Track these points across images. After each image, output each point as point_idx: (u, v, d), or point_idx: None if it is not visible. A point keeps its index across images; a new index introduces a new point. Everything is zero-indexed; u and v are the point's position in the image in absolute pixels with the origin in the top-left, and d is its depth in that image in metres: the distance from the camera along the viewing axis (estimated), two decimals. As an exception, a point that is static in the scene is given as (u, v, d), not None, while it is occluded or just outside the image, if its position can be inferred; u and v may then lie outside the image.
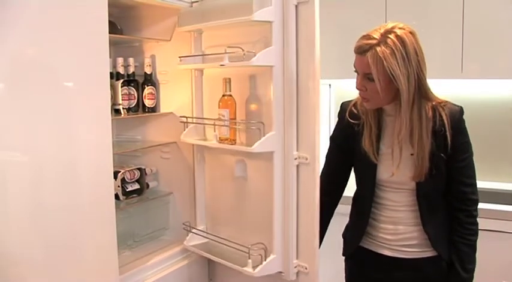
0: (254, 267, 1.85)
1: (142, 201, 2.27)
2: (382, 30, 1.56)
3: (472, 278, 1.74)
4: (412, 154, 1.64)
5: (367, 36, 1.58)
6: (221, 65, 1.84)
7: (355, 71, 1.65)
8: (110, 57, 1.86)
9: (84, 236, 1.63)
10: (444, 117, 1.62)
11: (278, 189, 1.83)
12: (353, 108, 1.77)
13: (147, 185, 2.29)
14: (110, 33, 1.68)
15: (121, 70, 2.18)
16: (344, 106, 1.84)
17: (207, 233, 2.17)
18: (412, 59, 1.57)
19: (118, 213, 1.80)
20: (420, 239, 1.72)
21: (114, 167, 1.76)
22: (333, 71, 2.96)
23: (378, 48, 1.53)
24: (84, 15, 1.59)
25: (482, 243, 2.67)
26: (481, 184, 3.26)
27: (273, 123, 1.81)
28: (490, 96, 3.16)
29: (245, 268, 1.87)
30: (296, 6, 1.75)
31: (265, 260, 1.85)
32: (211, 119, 2.01)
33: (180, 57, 2.09)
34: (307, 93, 1.77)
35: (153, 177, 2.39)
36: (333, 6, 3.14)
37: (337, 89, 3.45)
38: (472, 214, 1.72)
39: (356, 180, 1.85)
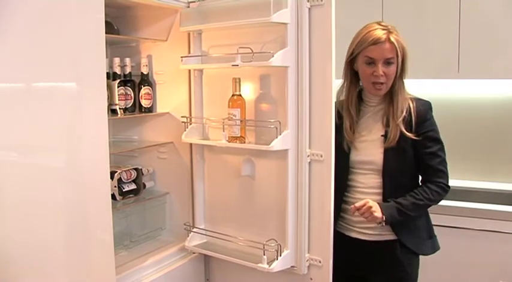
0: (269, 263, 1.90)
1: (139, 201, 2.26)
2: (382, 23, 1.85)
3: (389, 220, 1.83)
4: (382, 135, 1.88)
5: (379, 27, 1.81)
6: (233, 65, 1.88)
7: (370, 63, 1.83)
8: (107, 57, 1.86)
9: (81, 236, 1.63)
10: (412, 106, 1.86)
11: (291, 186, 1.89)
12: (341, 107, 1.98)
13: (144, 185, 2.29)
14: (106, 33, 1.68)
15: (117, 70, 2.18)
16: (336, 106, 1.93)
17: (213, 232, 2.16)
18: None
19: (114, 213, 1.81)
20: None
21: (110, 167, 1.76)
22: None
23: (395, 34, 1.82)
24: (81, 15, 1.59)
25: (479, 243, 2.69)
26: (477, 184, 3.29)
27: (287, 121, 1.86)
28: (487, 96, 3.17)
29: (260, 264, 1.90)
30: (309, 9, 1.82)
31: (280, 256, 1.90)
32: (220, 119, 2.01)
33: (182, 57, 2.08)
34: (321, 93, 1.84)
35: (149, 177, 2.39)
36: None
37: (334, 90, 3.44)
38: (439, 185, 1.88)
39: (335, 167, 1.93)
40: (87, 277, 1.66)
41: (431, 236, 1.99)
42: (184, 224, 2.20)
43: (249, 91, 2.01)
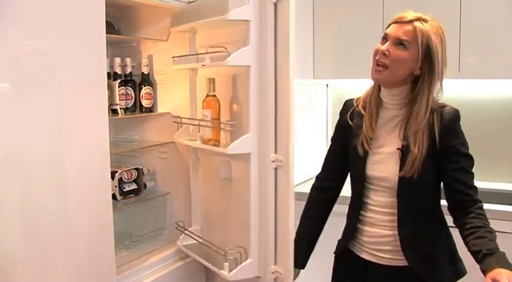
0: (231, 271, 1.83)
1: (139, 201, 2.27)
2: (423, 15, 1.60)
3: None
4: (398, 148, 1.60)
5: (410, 12, 1.61)
6: (203, 65, 1.85)
7: (384, 38, 1.61)
8: (107, 57, 1.87)
9: (81, 236, 1.63)
10: (436, 117, 1.58)
11: (255, 193, 1.79)
12: (358, 106, 1.73)
13: (145, 185, 2.29)
14: (107, 33, 1.68)
15: (118, 70, 2.18)
16: (348, 104, 1.78)
17: (193, 233, 2.16)
18: (445, 50, 1.63)
19: (115, 213, 1.81)
20: (394, 245, 1.66)
21: (111, 167, 1.76)
22: (330, 71, 2.96)
23: (425, 24, 1.57)
24: (81, 15, 1.59)
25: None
26: (479, 184, 3.27)
27: (249, 124, 1.77)
28: (488, 96, 3.16)
29: (222, 271, 1.85)
30: (275, 4, 1.70)
31: (240, 264, 1.82)
32: (197, 120, 2.00)
33: (173, 57, 2.10)
34: (286, 93, 1.72)
35: (150, 177, 2.39)
36: (329, 6, 3.14)
37: (334, 89, 3.44)
38: (479, 207, 1.60)
39: (350, 183, 1.80)
40: (88, 277, 1.66)
41: (455, 261, 1.73)
42: (176, 223, 2.20)
43: (222, 92, 1.95)
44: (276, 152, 1.76)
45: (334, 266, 1.87)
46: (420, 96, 1.58)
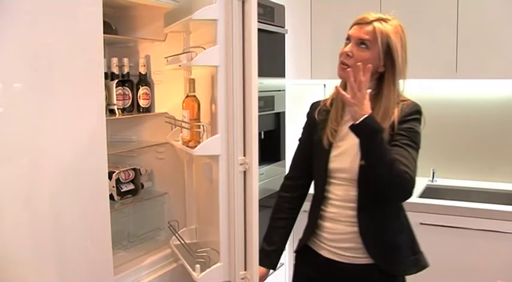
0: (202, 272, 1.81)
1: (137, 201, 2.26)
2: (384, 15, 1.66)
3: (368, 125, 1.51)
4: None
5: (371, 14, 1.65)
6: (179, 66, 1.86)
7: (347, 39, 1.67)
8: (105, 57, 1.86)
9: (79, 236, 1.63)
10: (397, 110, 1.62)
11: (223, 196, 1.75)
12: (325, 105, 1.78)
13: (142, 186, 2.29)
14: (104, 33, 1.68)
15: (115, 70, 2.18)
16: (314, 104, 1.84)
17: (177, 234, 2.15)
18: (405, 47, 1.66)
19: (113, 213, 1.80)
20: (355, 243, 1.66)
21: (108, 167, 1.76)
22: (327, 70, 2.96)
23: (385, 24, 1.62)
24: (79, 15, 1.59)
25: (478, 243, 2.69)
26: (475, 184, 3.29)
27: (218, 125, 1.73)
28: (485, 96, 3.17)
29: (193, 272, 1.83)
30: (243, 2, 1.66)
31: (209, 267, 1.80)
32: (179, 121, 1.98)
33: (165, 57, 2.11)
34: (249, 95, 1.70)
35: (147, 178, 2.39)
36: (326, 5, 3.15)
37: (332, 90, 3.45)
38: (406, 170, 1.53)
39: (313, 178, 1.81)
40: (85, 277, 1.66)
41: (416, 253, 1.74)
42: (168, 222, 2.20)
43: (205, 93, 1.93)
44: (244, 155, 1.72)
45: (294, 264, 1.87)
46: (386, 92, 1.63)
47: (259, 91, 2.63)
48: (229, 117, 1.72)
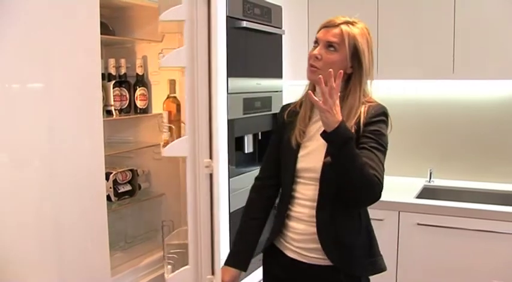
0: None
1: (134, 202, 2.26)
2: (350, 19, 1.69)
3: (339, 133, 1.50)
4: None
5: (338, 17, 1.68)
6: (160, 68, 1.87)
7: (315, 42, 1.70)
8: (102, 58, 1.86)
9: (76, 237, 1.63)
10: (363, 111, 1.64)
11: (191, 199, 1.72)
12: (295, 107, 1.80)
13: (139, 186, 2.28)
14: (101, 34, 1.68)
15: (113, 71, 2.17)
16: (284, 107, 1.87)
17: (171, 233, 2.15)
18: (372, 49, 1.70)
19: (110, 214, 1.80)
20: (318, 243, 1.67)
21: (106, 168, 1.75)
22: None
23: (352, 26, 1.66)
24: (76, 16, 1.59)
25: (473, 243, 2.70)
26: (471, 184, 3.30)
27: (186, 126, 1.72)
28: (482, 96, 3.18)
29: (165, 273, 1.83)
30: (209, 2, 1.66)
31: (177, 270, 1.78)
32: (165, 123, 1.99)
33: (159, 56, 2.11)
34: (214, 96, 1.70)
35: (145, 178, 2.39)
36: (323, 6, 3.15)
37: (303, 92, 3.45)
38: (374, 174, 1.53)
39: (282, 178, 1.81)
40: (83, 278, 1.66)
41: (373, 255, 1.73)
42: (162, 222, 2.19)
43: (182, 94, 1.91)
44: (211, 157, 1.70)
45: (262, 264, 1.87)
46: (352, 92, 1.66)
47: (257, 92, 2.66)
48: (195, 119, 1.70)
